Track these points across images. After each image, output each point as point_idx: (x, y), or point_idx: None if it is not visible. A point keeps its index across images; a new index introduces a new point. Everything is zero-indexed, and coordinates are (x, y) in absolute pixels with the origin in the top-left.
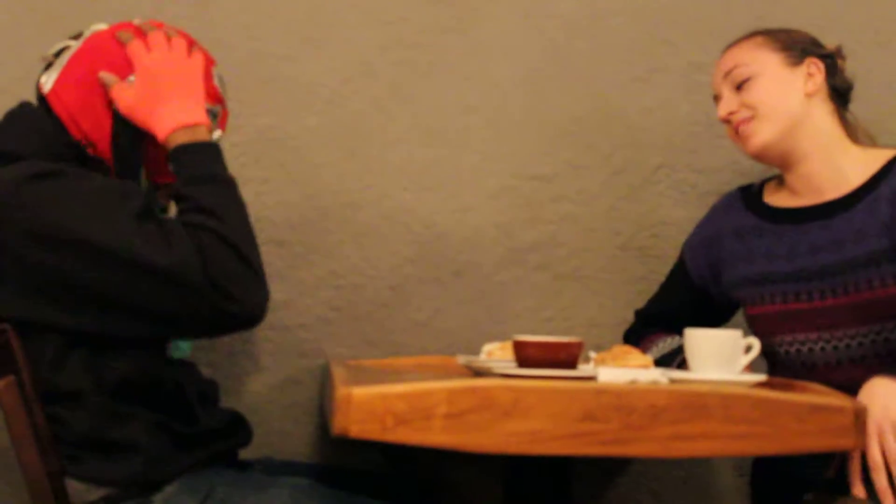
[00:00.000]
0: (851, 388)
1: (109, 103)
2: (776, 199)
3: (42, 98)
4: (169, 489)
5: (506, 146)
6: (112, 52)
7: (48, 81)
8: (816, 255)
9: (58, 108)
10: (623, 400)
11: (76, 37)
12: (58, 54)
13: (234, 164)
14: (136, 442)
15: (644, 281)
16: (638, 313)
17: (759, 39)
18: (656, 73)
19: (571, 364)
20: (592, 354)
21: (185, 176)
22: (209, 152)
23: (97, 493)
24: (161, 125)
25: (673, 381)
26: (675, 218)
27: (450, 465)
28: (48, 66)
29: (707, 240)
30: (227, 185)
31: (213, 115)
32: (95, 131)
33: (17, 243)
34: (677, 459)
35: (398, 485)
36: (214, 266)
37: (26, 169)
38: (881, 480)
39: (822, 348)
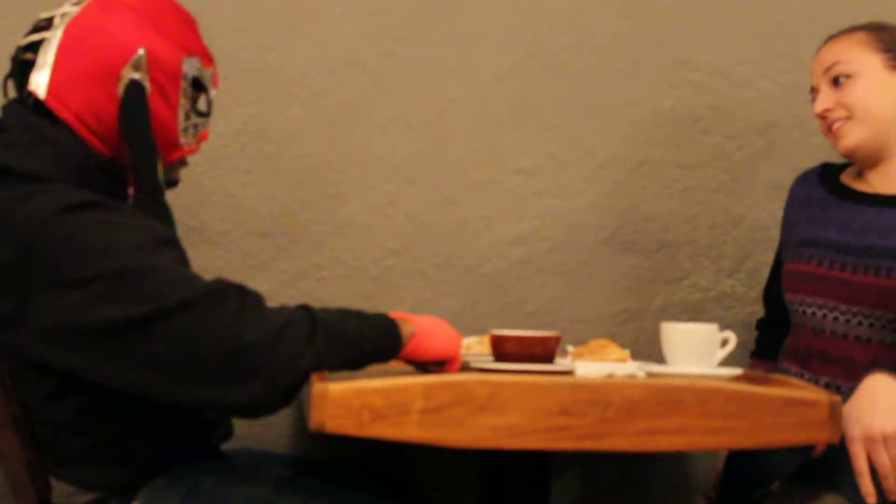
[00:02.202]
0: (849, 364)
1: (114, 94)
2: (850, 181)
3: (37, 104)
4: (153, 484)
5: (490, 139)
6: (105, 34)
7: (41, 84)
8: (864, 234)
9: (62, 111)
10: (599, 394)
11: (46, 27)
12: (34, 50)
13: (218, 154)
14: (132, 453)
15: (627, 276)
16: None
17: (862, 36)
18: (641, 68)
19: (548, 358)
20: (570, 348)
21: (352, 315)
22: (387, 334)
23: (85, 496)
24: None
25: (650, 374)
26: (659, 213)
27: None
28: (28, 64)
29: (786, 212)
30: (357, 350)
31: (209, 76)
32: (105, 127)
33: (45, 279)
34: (656, 453)
35: (378, 477)
36: (269, 312)
37: (63, 198)
38: (867, 485)
39: (836, 318)
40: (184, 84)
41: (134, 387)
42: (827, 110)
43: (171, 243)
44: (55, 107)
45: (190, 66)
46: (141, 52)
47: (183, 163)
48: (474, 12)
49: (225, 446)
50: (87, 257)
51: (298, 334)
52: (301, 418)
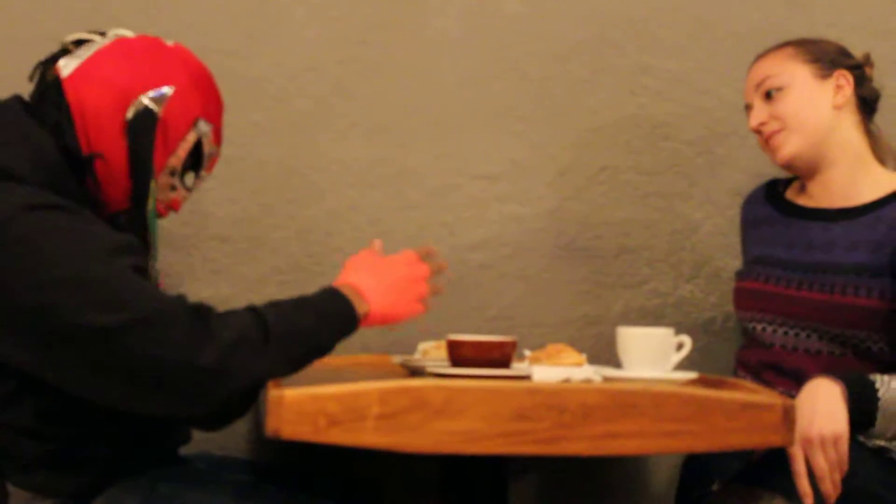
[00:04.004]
0: (800, 375)
1: (123, 112)
2: (794, 196)
3: (50, 85)
4: (111, 490)
5: (451, 145)
6: (144, 62)
7: (67, 66)
8: (809, 251)
9: (71, 96)
10: (555, 399)
11: (98, 34)
12: (77, 45)
13: None
14: (90, 458)
15: (586, 281)
16: None
17: (790, 50)
18: (602, 75)
19: (505, 363)
20: (527, 353)
21: (304, 308)
22: (343, 319)
23: (43, 503)
24: (351, 274)
25: (606, 379)
26: (618, 219)
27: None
28: (63, 51)
29: (741, 233)
30: (314, 346)
31: (210, 154)
32: (99, 137)
33: (5, 279)
34: (615, 458)
35: (336, 483)
36: (225, 327)
37: (27, 198)
38: (804, 486)
39: (785, 332)
40: (188, 139)
41: (88, 393)
42: (762, 124)
43: (131, 251)
44: (69, 90)
45: (201, 128)
46: (167, 90)
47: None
48: (437, 18)
49: (184, 451)
50: (46, 260)
51: (251, 347)
52: (258, 424)
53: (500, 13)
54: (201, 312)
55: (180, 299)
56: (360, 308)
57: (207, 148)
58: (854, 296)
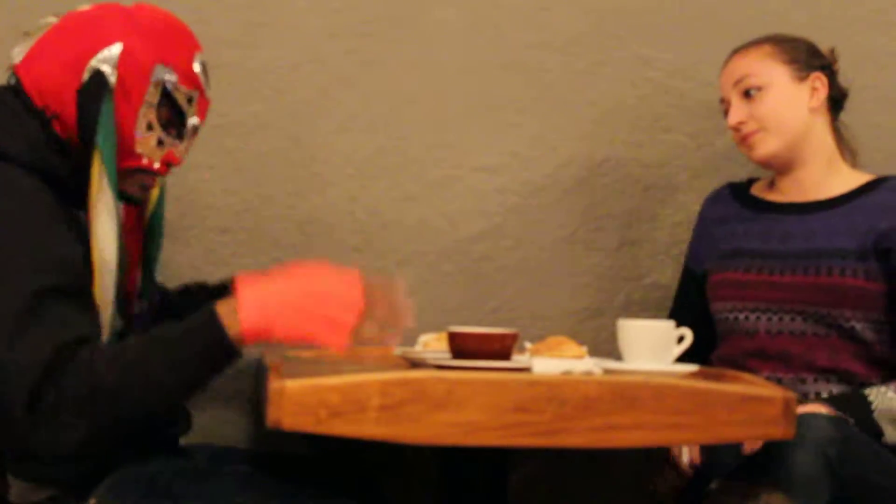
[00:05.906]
0: (786, 357)
1: (77, 83)
2: (762, 192)
3: (13, 75)
4: (110, 480)
5: (451, 136)
6: (90, 25)
7: (20, 52)
8: (788, 240)
9: (25, 79)
10: (556, 391)
11: (58, 16)
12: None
13: None
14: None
15: (588, 274)
16: None
17: (768, 49)
18: (603, 66)
19: (505, 355)
20: (528, 345)
21: (171, 334)
22: (215, 350)
23: (42, 493)
24: (245, 295)
25: (606, 371)
26: (620, 211)
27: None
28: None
29: (699, 232)
30: (178, 379)
31: (187, 99)
32: (67, 113)
33: None
34: (616, 450)
35: (339, 473)
36: (53, 396)
37: (7, 184)
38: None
39: (769, 318)
40: (151, 89)
41: None
42: (741, 123)
43: (64, 268)
44: (23, 76)
45: (162, 74)
46: (117, 47)
47: (143, 181)
48: (437, 10)
49: (185, 441)
50: None
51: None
52: (259, 415)
53: (501, 4)
54: (43, 390)
55: (39, 360)
56: (232, 329)
57: (179, 90)
58: (840, 276)
